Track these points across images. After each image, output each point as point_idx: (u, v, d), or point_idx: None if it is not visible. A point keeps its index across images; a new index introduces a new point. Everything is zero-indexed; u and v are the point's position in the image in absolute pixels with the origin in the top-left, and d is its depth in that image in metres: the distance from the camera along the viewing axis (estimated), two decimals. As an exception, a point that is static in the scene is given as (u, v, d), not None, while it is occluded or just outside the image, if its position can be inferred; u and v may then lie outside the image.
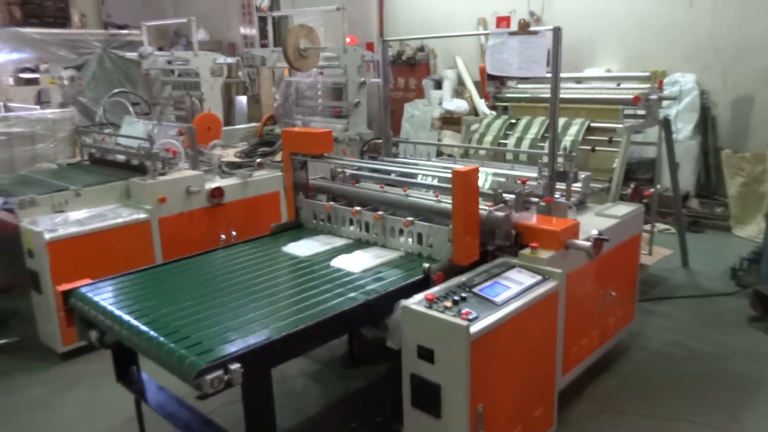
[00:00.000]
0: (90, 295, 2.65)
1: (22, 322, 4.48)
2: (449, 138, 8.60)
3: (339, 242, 3.33)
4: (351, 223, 3.41)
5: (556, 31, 3.17)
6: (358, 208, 3.34)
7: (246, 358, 2.05)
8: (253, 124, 7.11)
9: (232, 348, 2.10)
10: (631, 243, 3.71)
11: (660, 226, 6.22)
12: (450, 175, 2.79)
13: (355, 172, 3.72)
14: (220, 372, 1.97)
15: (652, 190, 4.38)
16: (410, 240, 3.14)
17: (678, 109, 6.92)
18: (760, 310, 4.31)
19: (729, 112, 7.07)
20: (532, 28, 3.34)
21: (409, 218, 3.10)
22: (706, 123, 7.08)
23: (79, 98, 8.49)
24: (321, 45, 5.98)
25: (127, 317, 2.40)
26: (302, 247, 3.25)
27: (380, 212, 3.24)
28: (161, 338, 2.19)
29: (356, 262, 3.01)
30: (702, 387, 3.53)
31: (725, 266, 5.17)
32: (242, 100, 10.51)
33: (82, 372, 3.83)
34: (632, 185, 4.09)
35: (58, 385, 3.70)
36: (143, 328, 2.29)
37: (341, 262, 3.02)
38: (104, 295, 2.63)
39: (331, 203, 3.53)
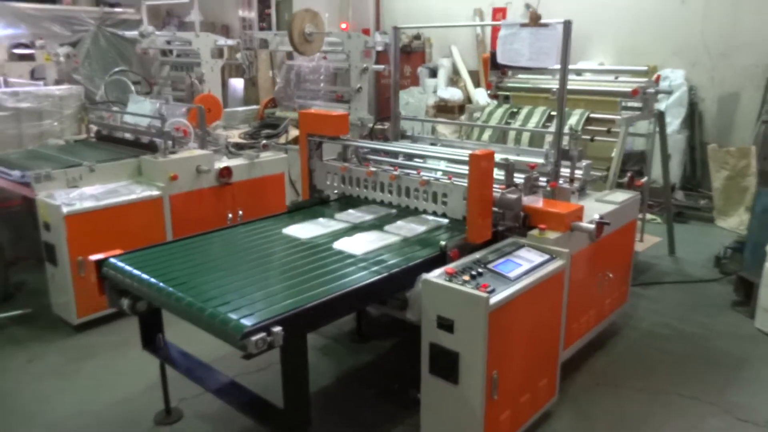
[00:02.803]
0: (122, 264, 2.76)
1: (31, 294, 4.57)
2: (443, 127, 8.74)
3: (338, 225, 3.35)
4: (366, 186, 3.58)
5: (567, 24, 3.34)
6: (373, 169, 3.51)
7: (285, 321, 2.20)
8: (254, 107, 7.19)
9: (271, 313, 2.25)
10: (627, 228, 3.91)
11: (647, 216, 6.46)
12: (465, 158, 2.96)
13: (369, 156, 3.87)
14: (263, 334, 2.12)
15: (643, 180, 4.60)
16: (424, 200, 3.33)
17: (667, 104, 7.14)
18: (743, 295, 4.56)
19: (715, 107, 7.33)
20: (542, 21, 3.49)
21: (425, 178, 3.25)
22: (693, 118, 7.34)
23: (74, 76, 8.47)
24: (326, 30, 6.08)
25: (164, 285, 2.53)
26: (304, 230, 3.28)
27: (395, 172, 3.40)
28: (202, 303, 2.33)
29: (358, 244, 3.04)
30: (690, 364, 3.77)
31: (709, 255, 5.42)
32: (235, 82, 10.53)
33: (98, 343, 3.94)
34: (628, 174, 4.30)
35: (76, 355, 3.81)
36: (183, 294, 2.43)
37: (343, 244, 3.06)
38: (138, 265, 2.75)
39: (345, 164, 3.69)
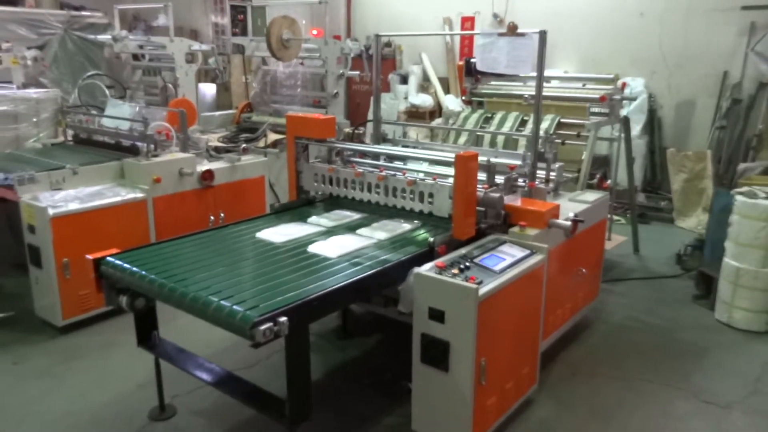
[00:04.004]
0: (121, 263, 2.82)
1: (9, 298, 4.54)
2: (414, 131, 8.94)
3: (314, 228, 3.42)
4: (354, 186, 3.70)
5: (542, 34, 3.55)
6: (360, 169, 3.64)
7: (290, 312, 2.31)
8: (230, 111, 7.24)
9: (275, 305, 2.35)
10: (598, 226, 4.14)
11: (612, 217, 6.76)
12: (451, 160, 3.13)
13: (353, 158, 3.99)
14: (270, 324, 2.22)
15: (608, 182, 4.86)
16: (411, 200, 3.47)
17: (629, 110, 7.49)
18: (703, 289, 4.86)
19: (673, 114, 7.73)
20: (519, 31, 3.69)
21: (412, 178, 3.40)
22: (652, 124, 7.71)
23: (41, 79, 8.35)
24: (302, 36, 6.19)
25: (167, 280, 2.60)
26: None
27: (382, 173, 3.55)
28: (209, 296, 2.42)
29: (333, 247, 3.08)
30: (658, 354, 4.01)
31: (670, 253, 5.73)
32: (204, 87, 10.52)
33: (84, 343, 3.95)
34: (598, 176, 4.55)
35: (63, 356, 3.81)
36: (187, 289, 2.51)
37: (318, 247, 3.09)
38: (137, 263, 2.81)
39: (334, 166, 3.80)
